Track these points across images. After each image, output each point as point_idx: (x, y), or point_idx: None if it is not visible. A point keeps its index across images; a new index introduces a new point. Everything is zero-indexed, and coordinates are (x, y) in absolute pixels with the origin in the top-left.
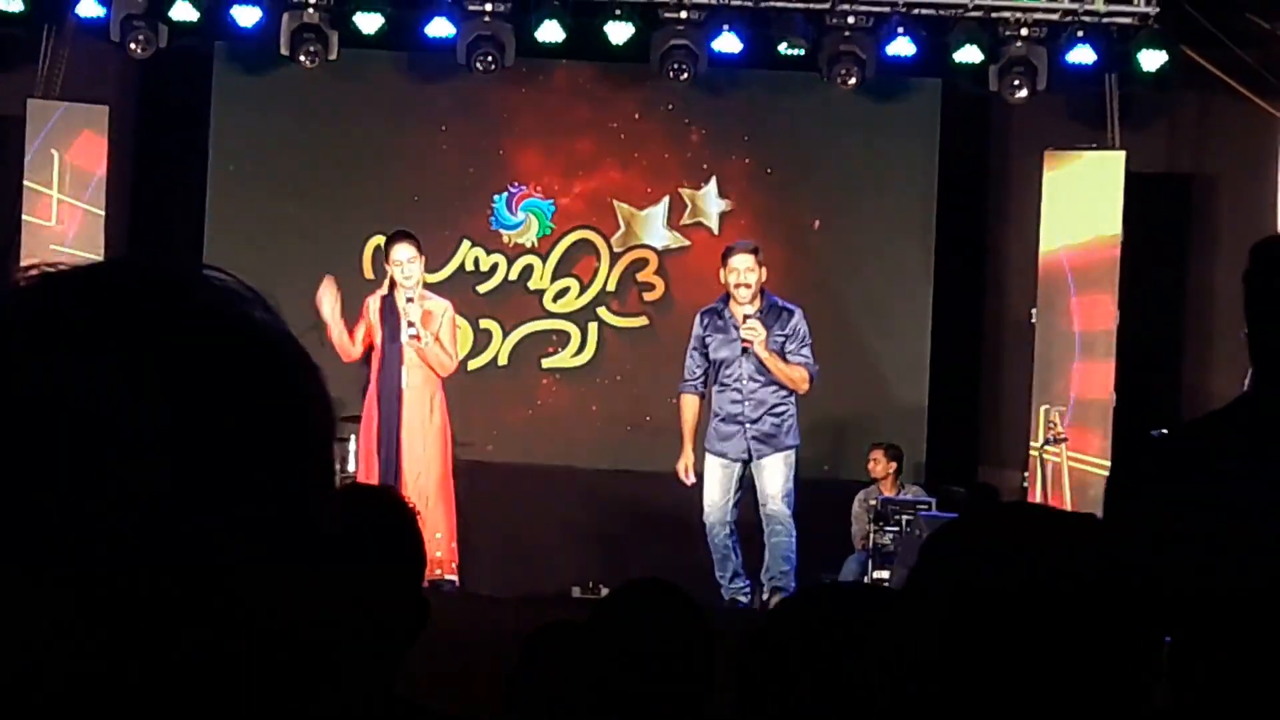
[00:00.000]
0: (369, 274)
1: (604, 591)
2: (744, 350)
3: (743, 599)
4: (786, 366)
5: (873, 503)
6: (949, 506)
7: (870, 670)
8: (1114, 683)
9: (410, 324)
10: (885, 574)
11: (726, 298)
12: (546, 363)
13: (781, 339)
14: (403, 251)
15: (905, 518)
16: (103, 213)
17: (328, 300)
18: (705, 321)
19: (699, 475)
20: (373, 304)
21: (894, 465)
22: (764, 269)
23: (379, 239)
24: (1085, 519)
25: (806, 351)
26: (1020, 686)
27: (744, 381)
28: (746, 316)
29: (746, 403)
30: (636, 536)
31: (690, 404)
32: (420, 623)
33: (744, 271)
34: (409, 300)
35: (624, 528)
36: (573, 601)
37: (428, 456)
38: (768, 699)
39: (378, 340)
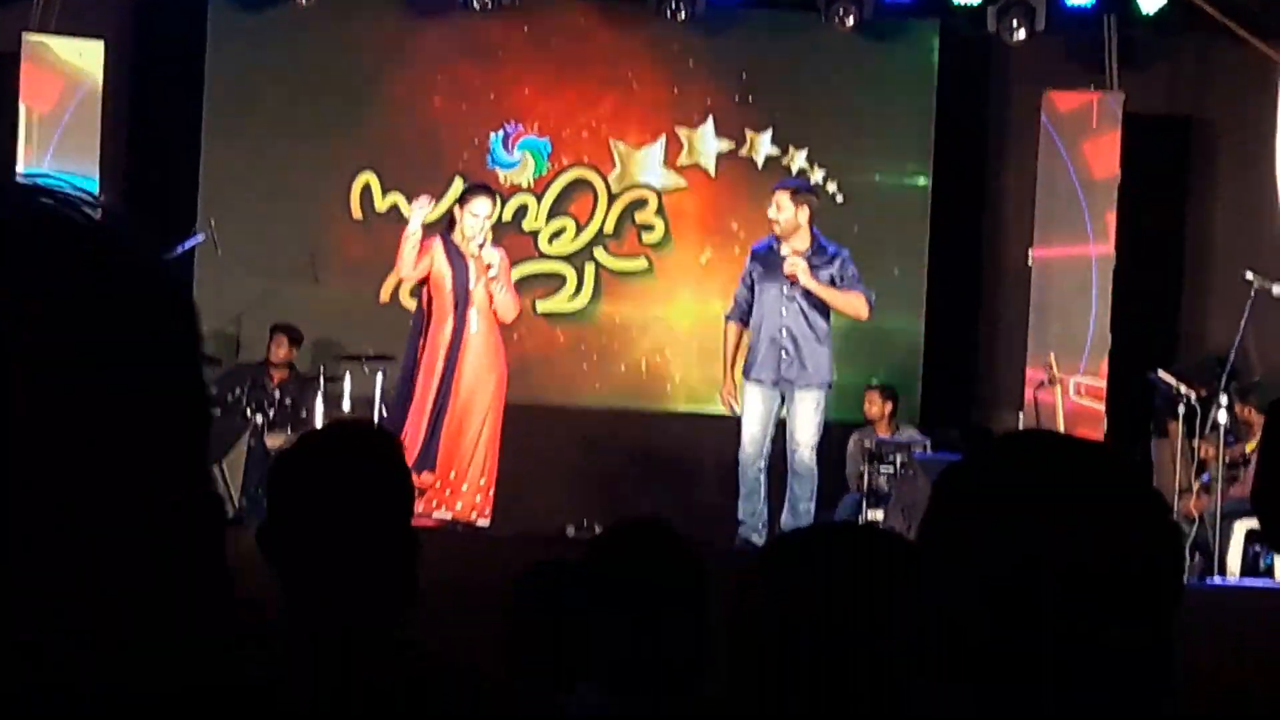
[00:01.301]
0: (356, 213)
1: (598, 530)
2: (791, 282)
3: (756, 541)
4: (842, 294)
5: (868, 444)
6: (945, 447)
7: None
8: (1138, 618)
9: (489, 266)
10: (880, 514)
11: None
12: (541, 306)
13: (831, 275)
14: (483, 206)
15: (900, 458)
16: (98, 149)
17: (421, 215)
18: (754, 255)
19: (737, 406)
20: (437, 247)
21: (890, 406)
22: (803, 208)
23: (368, 176)
24: (1103, 449)
25: (860, 286)
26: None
27: (781, 313)
28: (795, 251)
29: (783, 330)
30: (632, 477)
31: (733, 332)
32: (411, 558)
33: (775, 208)
34: (481, 246)
35: (620, 468)
36: (568, 541)
37: (488, 403)
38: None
39: (447, 286)
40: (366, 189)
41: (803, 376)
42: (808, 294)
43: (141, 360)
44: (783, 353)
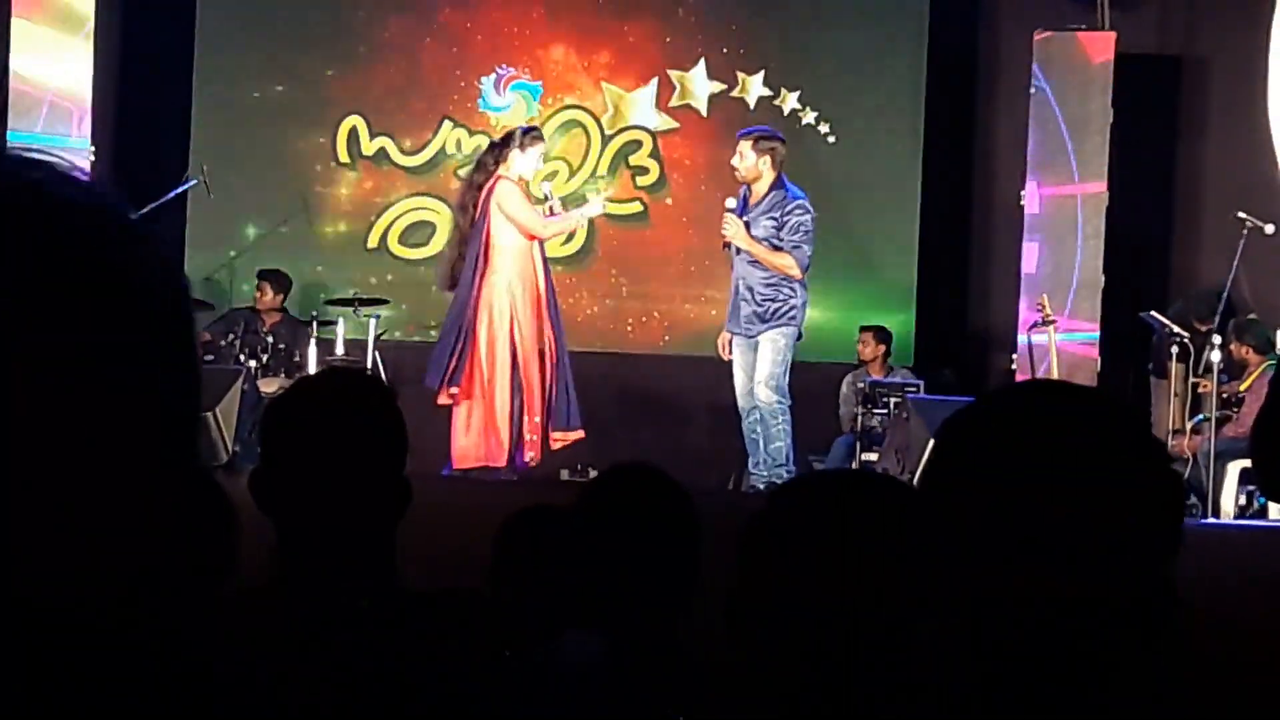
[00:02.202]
0: (344, 156)
1: (592, 474)
2: (724, 245)
3: (760, 487)
4: (771, 254)
5: (861, 385)
6: (938, 389)
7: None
8: (1138, 567)
9: (553, 210)
10: (873, 456)
11: None
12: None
13: (775, 227)
14: (541, 148)
15: (893, 400)
16: (89, 95)
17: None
18: (734, 206)
19: (724, 355)
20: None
21: (883, 348)
22: (764, 156)
23: (355, 119)
24: (1103, 396)
25: (797, 239)
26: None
27: (741, 262)
28: (727, 210)
29: (740, 281)
30: (626, 420)
31: (731, 283)
32: (403, 505)
33: (737, 156)
34: (548, 196)
35: (614, 411)
36: (561, 484)
37: (557, 343)
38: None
39: (513, 230)
40: (353, 132)
41: (761, 324)
42: None
43: (132, 340)
44: (743, 303)
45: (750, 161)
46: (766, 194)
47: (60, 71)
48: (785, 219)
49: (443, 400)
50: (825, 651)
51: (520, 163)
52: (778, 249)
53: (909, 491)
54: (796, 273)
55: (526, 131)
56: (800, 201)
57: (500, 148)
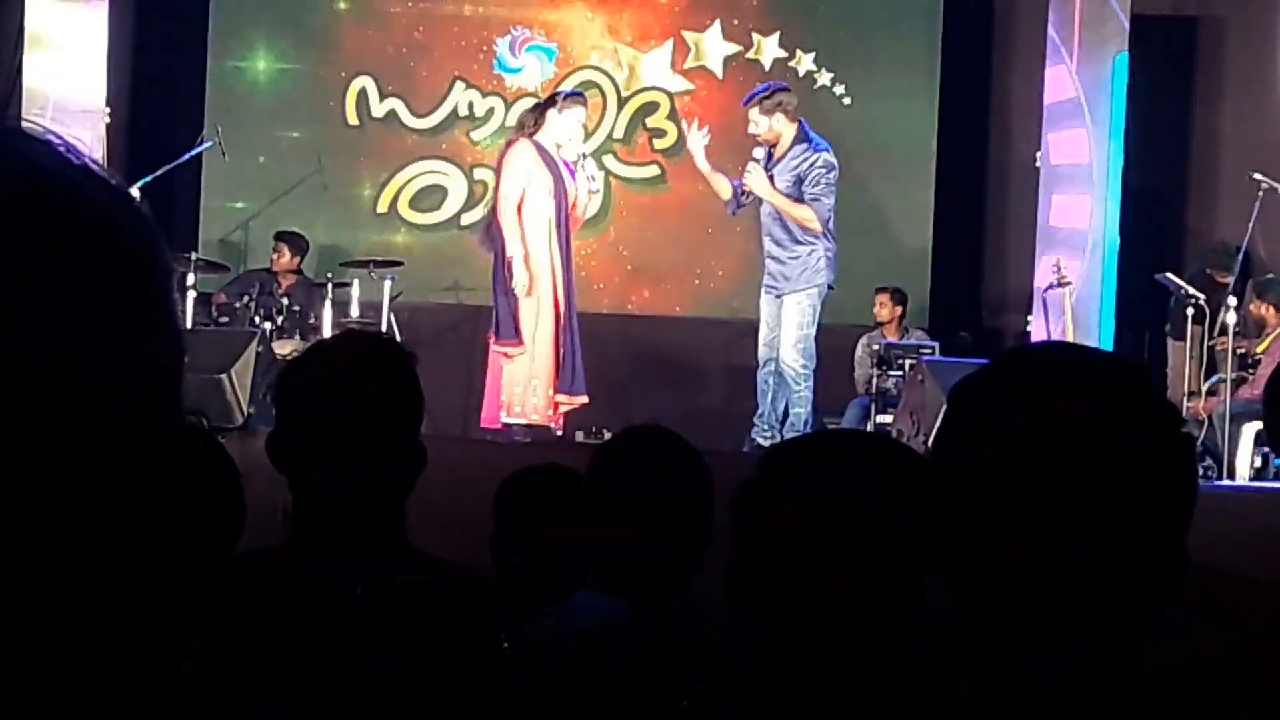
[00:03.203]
0: (352, 119)
1: (607, 436)
2: (745, 192)
3: (763, 442)
4: (791, 205)
5: (876, 347)
6: (953, 351)
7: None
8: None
9: (593, 178)
10: (888, 418)
11: None
12: None
13: (796, 180)
14: (582, 113)
15: (908, 362)
16: (105, 63)
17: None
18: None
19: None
20: (531, 153)
21: (899, 309)
22: (775, 115)
23: (364, 81)
24: (1116, 360)
25: (818, 191)
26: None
27: (763, 217)
28: (753, 160)
29: (766, 237)
30: (641, 381)
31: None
32: (417, 469)
33: (752, 125)
34: (583, 156)
35: (628, 373)
36: (576, 446)
37: (569, 307)
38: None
39: (548, 193)
40: (362, 93)
41: (786, 283)
42: None
43: (110, 318)
44: (769, 260)
45: (765, 125)
46: (790, 147)
47: (77, 33)
48: (808, 171)
49: (497, 358)
50: (819, 616)
51: (557, 125)
52: (799, 201)
53: (902, 452)
54: (816, 225)
55: (569, 95)
56: (823, 153)
57: (540, 109)
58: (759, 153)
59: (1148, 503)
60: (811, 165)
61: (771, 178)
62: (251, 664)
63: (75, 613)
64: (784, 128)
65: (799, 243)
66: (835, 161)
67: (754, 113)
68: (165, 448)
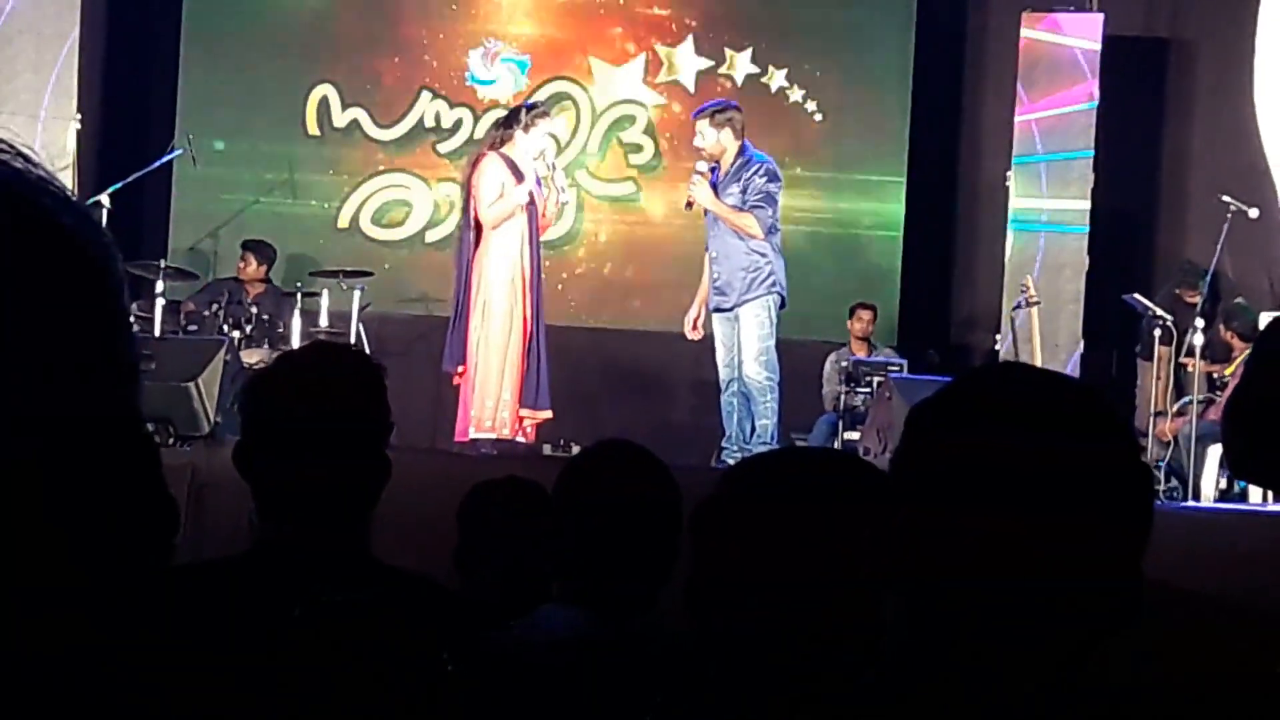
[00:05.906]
0: (313, 129)
1: (575, 449)
2: (688, 204)
3: (730, 462)
4: (733, 213)
5: (844, 364)
6: (921, 369)
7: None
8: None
9: (563, 189)
10: (856, 435)
11: None
12: None
13: (740, 192)
14: (550, 125)
15: (876, 379)
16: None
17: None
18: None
19: (690, 334)
20: (501, 167)
21: (872, 326)
22: (724, 129)
23: (325, 89)
24: (1076, 384)
25: (758, 199)
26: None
27: (714, 234)
28: (697, 173)
29: (715, 253)
30: (609, 395)
31: (706, 262)
32: (382, 482)
33: (699, 136)
34: (552, 168)
35: (597, 386)
36: (543, 459)
37: (536, 321)
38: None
39: (536, 206)
40: (324, 102)
41: (736, 296)
42: None
43: (65, 328)
44: (716, 275)
45: (712, 139)
46: (733, 163)
47: (48, 34)
48: (751, 180)
49: (456, 381)
50: (780, 633)
51: (524, 143)
52: (741, 210)
53: (866, 470)
54: (757, 231)
55: (530, 109)
56: (763, 164)
57: (504, 126)
58: (703, 165)
59: (1102, 527)
60: (754, 174)
61: (718, 193)
62: (208, 673)
63: (31, 616)
64: (729, 143)
65: (746, 254)
66: (778, 171)
67: (703, 124)
68: (125, 451)
